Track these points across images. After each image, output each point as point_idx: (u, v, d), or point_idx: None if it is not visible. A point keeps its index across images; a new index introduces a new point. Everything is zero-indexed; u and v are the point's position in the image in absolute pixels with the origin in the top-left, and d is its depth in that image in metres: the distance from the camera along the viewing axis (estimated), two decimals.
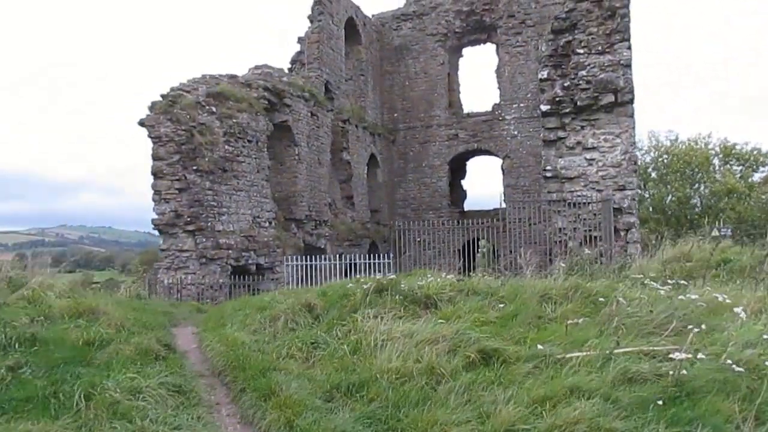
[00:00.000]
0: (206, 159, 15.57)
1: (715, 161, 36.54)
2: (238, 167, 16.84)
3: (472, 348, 5.69)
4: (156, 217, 15.23)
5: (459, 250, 29.68)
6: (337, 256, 17.44)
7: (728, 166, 36.32)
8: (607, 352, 5.41)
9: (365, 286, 7.39)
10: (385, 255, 28.81)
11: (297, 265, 16.69)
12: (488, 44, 30.41)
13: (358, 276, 16.39)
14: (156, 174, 15.06)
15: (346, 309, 7.04)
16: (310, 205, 21.00)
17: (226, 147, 16.37)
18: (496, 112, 28.98)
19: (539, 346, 5.64)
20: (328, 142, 22.98)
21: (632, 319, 6.05)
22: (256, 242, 17.02)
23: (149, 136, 15.09)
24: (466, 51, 31.32)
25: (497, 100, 29.28)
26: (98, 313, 7.08)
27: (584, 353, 5.49)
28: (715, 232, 17.54)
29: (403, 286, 7.42)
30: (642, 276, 7.94)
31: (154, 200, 15.16)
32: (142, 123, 15.23)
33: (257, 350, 6.35)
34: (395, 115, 30.38)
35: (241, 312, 7.72)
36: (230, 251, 15.84)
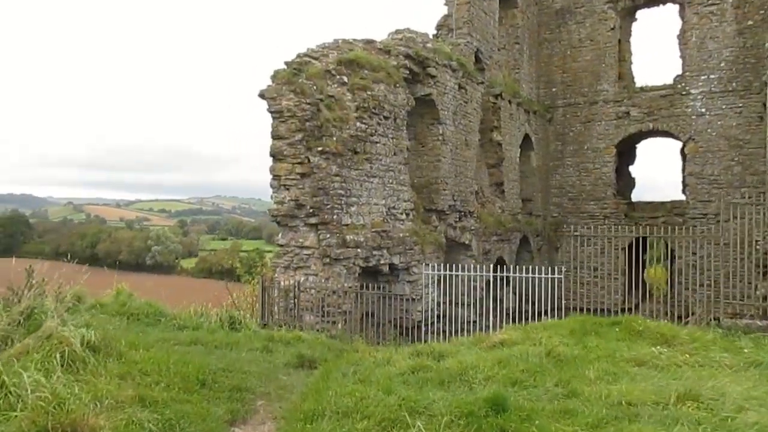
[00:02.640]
0: (334, 138, 12.99)
1: None
2: (371, 149, 14.14)
3: None
4: (274, 206, 12.92)
5: (625, 249, 25.46)
6: (489, 266, 14.31)
7: None
8: None
9: None
10: (545, 263, 25.14)
11: (439, 276, 13.72)
12: (669, 5, 25.49)
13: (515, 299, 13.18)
14: (275, 155, 12.71)
15: None
16: (454, 194, 17.96)
17: (359, 124, 13.71)
18: (679, 86, 24.16)
19: None
20: (477, 120, 19.75)
21: None
22: (389, 238, 14.30)
23: (269, 110, 12.74)
24: (640, 14, 26.60)
25: (679, 72, 24.47)
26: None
27: None
28: None
29: None
30: None
31: (272, 186, 12.85)
32: (262, 95, 12.91)
33: None
34: (553, 89, 26.40)
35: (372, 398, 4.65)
36: (359, 249, 13.22)
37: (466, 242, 18.20)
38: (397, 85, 15.23)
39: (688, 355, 5.36)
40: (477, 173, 19.99)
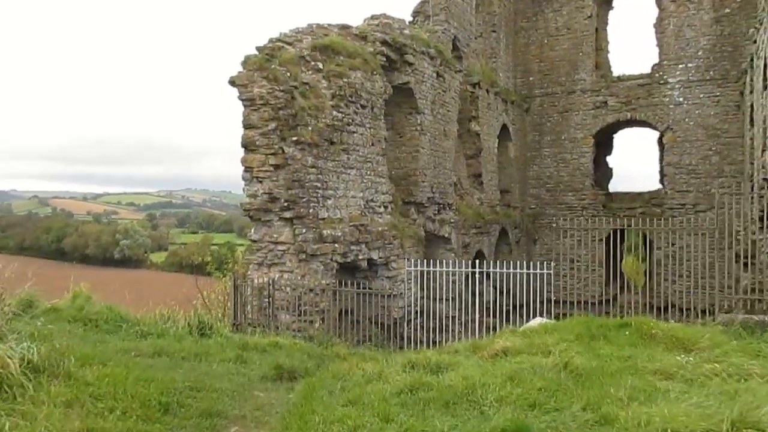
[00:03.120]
0: (309, 128, 12.30)
1: None
2: (348, 139, 13.49)
3: None
4: (246, 200, 12.20)
5: (603, 240, 25.22)
6: (470, 260, 13.78)
7: None
8: None
9: None
10: (524, 255, 24.73)
11: (420, 272, 13.13)
12: None
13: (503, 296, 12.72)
14: (247, 146, 11.98)
15: None
16: (433, 186, 17.41)
17: (335, 113, 13.04)
18: (656, 75, 23.92)
19: None
20: (455, 109, 19.19)
21: None
22: (368, 232, 13.68)
23: (240, 98, 12.00)
24: (617, 2, 26.39)
25: (656, 60, 24.22)
26: None
27: None
28: None
29: None
30: None
31: (244, 179, 12.12)
32: (232, 82, 12.15)
33: None
34: (530, 79, 25.99)
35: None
36: (336, 245, 12.57)
37: (446, 235, 17.67)
38: (375, 72, 14.59)
39: (716, 364, 4.86)
40: (455, 164, 19.46)
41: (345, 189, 13.35)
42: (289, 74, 12.33)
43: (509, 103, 23.84)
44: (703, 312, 22.04)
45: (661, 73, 23.80)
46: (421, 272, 13.16)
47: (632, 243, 26.89)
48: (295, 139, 11.98)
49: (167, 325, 7.68)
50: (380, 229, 14.22)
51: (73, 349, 5.03)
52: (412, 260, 13.11)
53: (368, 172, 14.28)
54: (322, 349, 8.03)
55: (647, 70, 24.27)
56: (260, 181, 11.94)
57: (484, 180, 21.32)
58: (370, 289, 14.14)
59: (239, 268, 13.62)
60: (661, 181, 26.24)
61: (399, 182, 16.39)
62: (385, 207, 15.03)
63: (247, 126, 11.94)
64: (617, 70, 25.43)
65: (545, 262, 12.39)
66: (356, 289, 12.49)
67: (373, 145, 14.44)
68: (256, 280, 11.97)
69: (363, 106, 14.02)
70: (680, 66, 23.49)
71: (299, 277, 11.97)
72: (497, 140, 22.81)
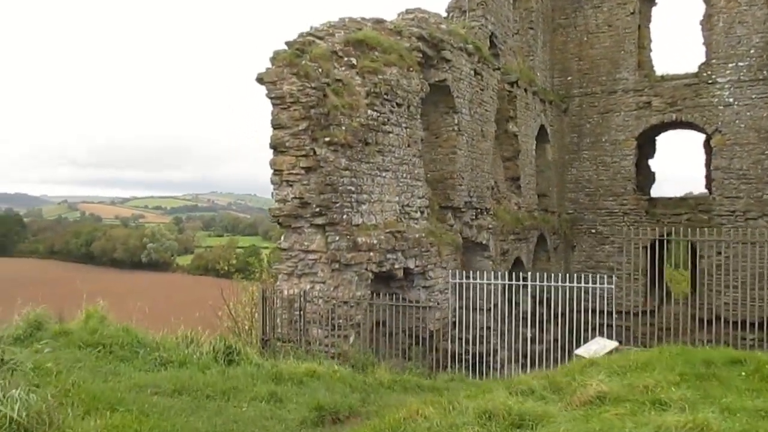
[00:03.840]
0: (343, 128, 11.44)
1: None
2: (384, 139, 12.60)
3: None
4: (275, 205, 11.36)
5: (646, 247, 23.98)
6: (517, 273, 12.77)
7: None
8: None
9: None
10: (561, 263, 23.52)
11: (464, 284, 12.13)
12: None
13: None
14: (276, 147, 11.15)
15: None
16: (470, 189, 16.44)
17: (370, 112, 12.16)
18: (704, 74, 22.65)
19: None
20: (493, 109, 18.21)
21: None
22: (404, 240, 12.76)
23: (268, 96, 11.17)
24: None
25: (703, 59, 22.97)
26: None
27: None
28: None
29: None
30: None
31: (273, 183, 11.29)
32: (260, 79, 11.34)
33: None
34: (569, 78, 24.87)
35: None
36: (372, 253, 11.67)
37: (483, 242, 16.68)
38: (411, 69, 13.69)
39: None
40: (492, 167, 18.47)
41: (380, 193, 12.45)
42: (320, 70, 11.48)
43: (547, 104, 22.78)
44: (752, 325, 20.71)
45: (709, 72, 22.53)
46: (460, 284, 12.13)
47: (677, 251, 25.61)
48: (327, 139, 11.12)
49: (190, 350, 6.81)
50: (417, 236, 13.29)
51: (79, 387, 4.18)
52: (456, 272, 12.10)
53: (404, 175, 13.37)
54: (363, 376, 7.13)
55: (692, 69, 23.05)
56: (290, 185, 11.10)
57: (522, 183, 20.28)
58: (406, 300, 13.28)
59: (267, 278, 12.80)
60: (708, 186, 24.92)
61: (435, 186, 15.46)
62: (422, 212, 14.11)
63: (276, 126, 11.11)
64: (660, 69, 24.21)
65: (606, 276, 11.32)
66: (392, 301, 11.57)
67: (409, 146, 13.54)
68: (285, 292, 11.12)
69: (399, 105, 13.13)
70: (730, 65, 22.20)
71: (332, 289, 11.10)
72: (535, 142, 21.75)
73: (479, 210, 16.89)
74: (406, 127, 13.39)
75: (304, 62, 11.29)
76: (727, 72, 22.20)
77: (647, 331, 21.55)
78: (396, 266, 12.51)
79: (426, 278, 13.63)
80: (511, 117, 19.57)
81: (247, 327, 12.32)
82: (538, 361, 12.84)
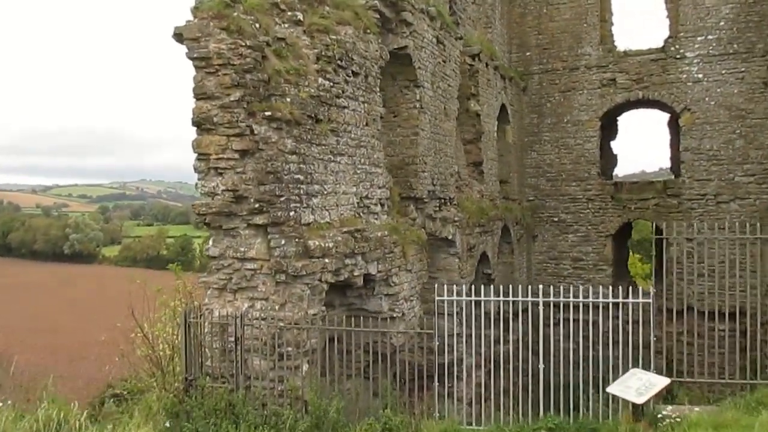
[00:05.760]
0: (288, 99, 8.92)
1: None
2: (338, 115, 10.13)
3: None
4: (199, 201, 8.76)
5: (612, 235, 22.44)
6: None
7: None
8: None
9: None
10: (524, 254, 21.35)
11: (464, 303, 9.70)
12: None
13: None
14: (201, 124, 8.52)
15: None
16: (434, 177, 14.20)
17: (321, 80, 9.66)
18: (672, 48, 21.09)
19: None
20: (456, 84, 15.98)
21: None
22: (365, 240, 10.35)
23: (190, 57, 8.53)
24: None
25: (667, 33, 21.41)
26: None
27: None
28: None
29: None
30: None
31: (197, 170, 8.66)
32: (179, 35, 8.68)
33: None
34: (527, 54, 22.91)
35: None
36: (327, 259, 9.21)
37: (449, 237, 14.48)
38: (368, 30, 11.23)
39: None
40: (454, 151, 16.27)
41: (335, 183, 10.01)
42: (258, 26, 8.91)
43: (507, 81, 20.74)
44: (723, 315, 19.19)
45: (677, 46, 20.97)
46: (451, 302, 9.75)
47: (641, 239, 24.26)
48: (268, 114, 8.58)
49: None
50: (379, 234, 10.92)
51: None
52: (445, 287, 9.66)
53: (362, 160, 10.96)
54: None
55: (661, 44, 21.44)
56: (220, 174, 8.52)
57: (485, 169, 18.17)
58: (366, 311, 10.99)
59: (191, 292, 10.15)
60: (673, 169, 23.56)
61: (394, 173, 13.09)
62: (382, 205, 11.75)
63: (200, 96, 8.48)
64: (622, 46, 22.50)
65: (641, 290, 9.21)
66: (349, 326, 9.19)
67: (367, 124, 11.12)
68: (216, 313, 8.56)
69: (355, 74, 10.67)
70: (699, 38, 20.69)
71: (277, 307, 8.61)
72: (496, 123, 19.69)
73: (443, 200, 14.68)
74: (363, 102, 10.96)
75: (236, 14, 8.69)
76: (696, 46, 20.70)
77: (611, 325, 20.05)
78: (355, 273, 10.11)
79: (389, 284, 11.30)
80: (472, 94, 17.37)
81: (169, 355, 9.68)
82: (503, 364, 10.85)
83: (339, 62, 10.12)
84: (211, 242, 8.86)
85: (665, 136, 23.38)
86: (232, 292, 8.72)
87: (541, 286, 9.05)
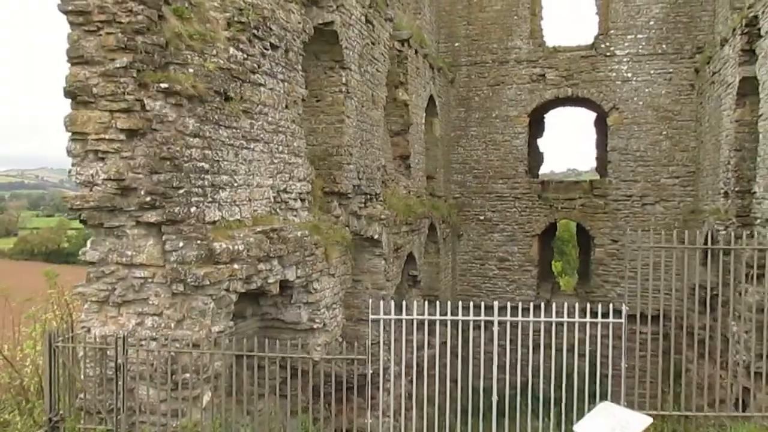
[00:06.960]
0: (191, 70, 7.29)
1: None
2: (253, 94, 8.56)
3: None
4: (74, 192, 7.01)
5: (538, 235, 21.83)
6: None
7: None
8: None
9: None
10: (449, 254, 20.27)
11: (398, 322, 8.32)
12: None
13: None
14: (76, 95, 6.77)
15: None
16: (360, 170, 12.84)
17: (233, 51, 8.06)
18: (602, 46, 20.65)
19: None
20: (384, 69, 14.66)
21: None
22: (282, 242, 8.84)
23: (63, 11, 6.75)
24: None
25: (598, 31, 20.96)
26: None
27: None
28: None
29: None
30: None
31: (71, 154, 6.90)
32: None
33: None
34: (456, 44, 21.92)
35: None
36: (236, 265, 7.64)
37: (375, 236, 13.15)
38: None
39: None
40: (381, 143, 14.97)
41: (247, 173, 8.45)
42: None
43: (436, 71, 19.64)
44: (645, 318, 18.79)
45: (607, 44, 20.56)
46: (388, 321, 8.40)
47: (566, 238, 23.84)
48: (164, 86, 6.93)
49: None
50: (299, 234, 9.43)
51: None
52: (381, 303, 8.25)
53: (280, 148, 9.44)
54: None
55: (591, 41, 20.96)
56: (101, 158, 6.81)
57: (412, 163, 16.99)
58: (282, 322, 9.55)
59: (62, 310, 8.33)
60: (599, 169, 23.29)
61: (316, 164, 11.62)
62: (303, 200, 10.27)
63: (75, 60, 6.73)
64: (551, 42, 21.89)
65: (611, 304, 8.14)
66: (266, 351, 7.70)
67: (287, 107, 9.60)
68: (95, 332, 6.85)
69: (274, 47, 9.13)
70: (629, 37, 20.34)
71: (173, 324, 7.00)
72: (424, 114, 18.55)
73: (369, 196, 13.35)
74: (283, 80, 9.43)
75: None
76: (626, 44, 20.35)
77: (536, 327, 19.44)
78: (270, 280, 8.58)
79: (309, 291, 9.84)
80: (401, 82, 16.13)
81: (38, 385, 7.85)
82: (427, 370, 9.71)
83: (255, 31, 8.55)
84: (89, 244, 7.11)
85: (592, 135, 23.03)
86: (115, 306, 7.02)
87: (496, 303, 7.83)
